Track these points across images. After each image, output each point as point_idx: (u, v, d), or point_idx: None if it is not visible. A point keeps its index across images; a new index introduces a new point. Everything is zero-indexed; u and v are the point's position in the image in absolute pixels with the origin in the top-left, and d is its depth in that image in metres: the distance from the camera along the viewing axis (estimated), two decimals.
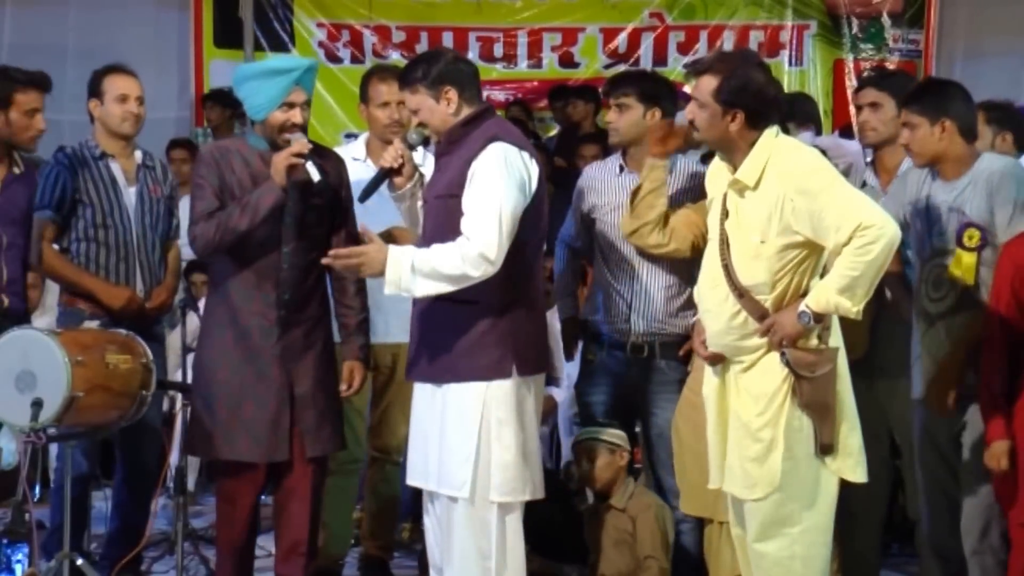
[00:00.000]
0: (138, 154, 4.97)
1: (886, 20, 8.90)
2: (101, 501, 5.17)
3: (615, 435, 4.60)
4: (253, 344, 4.34)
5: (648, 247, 4.47)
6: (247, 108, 4.45)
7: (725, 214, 3.78)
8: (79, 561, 4.39)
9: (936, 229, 4.16)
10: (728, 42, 8.88)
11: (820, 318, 3.61)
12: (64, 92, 8.48)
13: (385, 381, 4.92)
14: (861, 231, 3.51)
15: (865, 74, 8.08)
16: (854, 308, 3.59)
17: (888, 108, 4.49)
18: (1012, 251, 3.97)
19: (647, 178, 4.43)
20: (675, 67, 8.88)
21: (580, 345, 5.00)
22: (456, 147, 4.03)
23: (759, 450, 3.70)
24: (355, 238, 4.46)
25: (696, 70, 3.86)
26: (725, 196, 3.79)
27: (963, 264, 4.09)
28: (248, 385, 4.33)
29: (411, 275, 3.88)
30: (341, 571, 5.04)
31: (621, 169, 4.68)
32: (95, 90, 4.88)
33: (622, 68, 8.78)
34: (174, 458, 5.01)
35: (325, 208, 4.43)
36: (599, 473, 4.60)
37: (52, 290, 6.29)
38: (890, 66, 8.55)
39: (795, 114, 5.98)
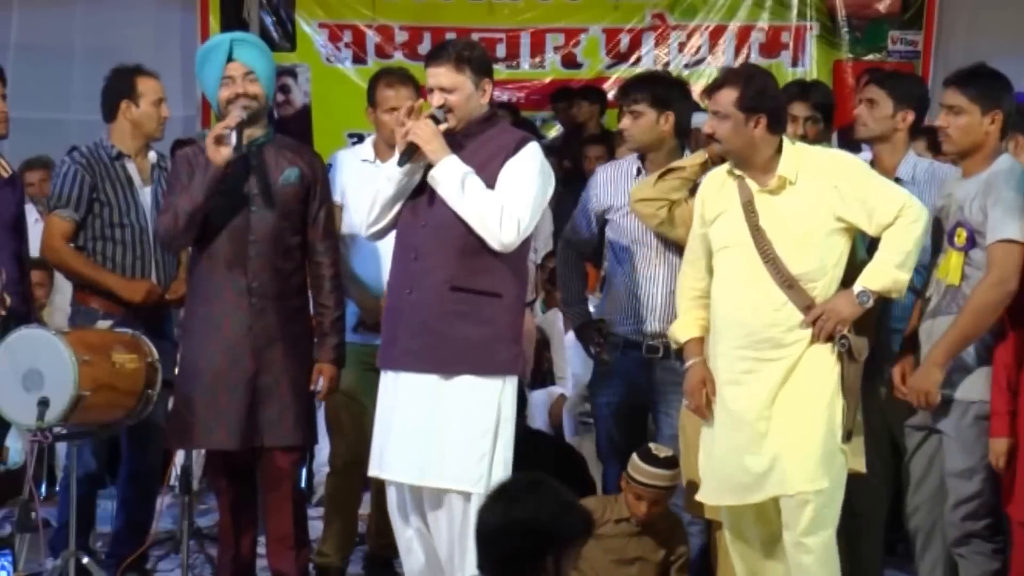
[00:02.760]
0: (152, 155, 4.99)
1: (885, 21, 8.90)
2: (106, 500, 5.18)
3: (675, 476, 4.44)
4: (226, 333, 4.40)
5: (645, 217, 4.46)
6: (210, 100, 4.57)
7: (754, 216, 3.90)
8: (85, 559, 4.42)
9: (945, 225, 4.14)
10: (729, 42, 8.89)
11: (878, 295, 3.87)
12: (71, 91, 8.59)
13: None
14: (906, 210, 3.83)
15: (866, 71, 8.06)
16: (908, 282, 3.89)
17: (884, 107, 4.46)
18: None
19: (691, 167, 4.41)
20: (676, 67, 8.89)
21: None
22: (471, 141, 4.07)
23: (822, 438, 3.85)
24: (332, 235, 4.55)
25: (711, 88, 4.03)
26: (750, 202, 3.92)
27: (950, 263, 4.07)
28: (221, 374, 4.38)
29: (460, 178, 3.95)
30: (346, 569, 5.06)
31: (639, 172, 4.69)
32: (128, 91, 4.88)
33: (624, 68, 8.83)
34: (180, 457, 5.02)
35: (298, 201, 4.48)
36: (653, 514, 4.48)
37: (60, 289, 6.32)
38: (889, 67, 8.53)
39: None
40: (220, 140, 4.28)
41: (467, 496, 3.97)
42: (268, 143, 4.52)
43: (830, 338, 3.89)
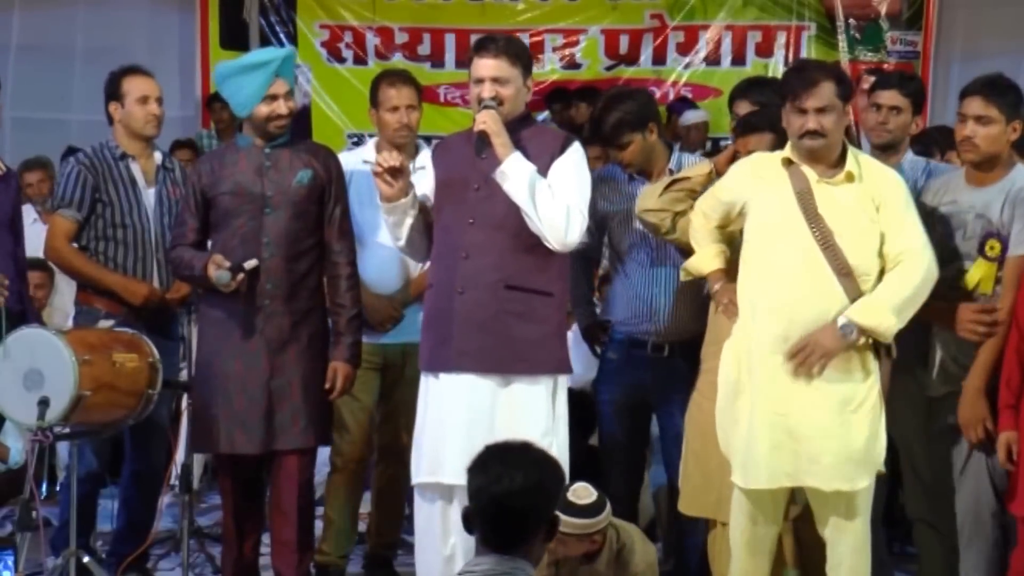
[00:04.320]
0: (157, 155, 5.00)
1: (884, 22, 8.91)
2: (107, 499, 5.19)
3: (596, 523, 4.18)
4: (241, 336, 4.40)
5: (650, 226, 4.46)
6: (233, 107, 4.53)
7: (812, 204, 3.90)
8: (86, 559, 4.43)
9: (960, 234, 4.15)
10: (727, 43, 8.90)
11: (863, 332, 3.82)
12: (72, 92, 8.62)
13: (395, 379, 4.93)
14: (917, 256, 3.85)
15: (867, 72, 8.06)
16: (898, 328, 3.84)
17: (907, 114, 4.51)
18: None
19: (696, 177, 4.39)
20: (675, 67, 8.91)
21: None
22: (511, 137, 4.04)
23: (866, 439, 3.88)
24: (348, 234, 4.53)
25: (807, 84, 3.92)
26: (806, 191, 3.92)
27: (981, 273, 4.09)
28: (238, 377, 4.39)
29: (529, 177, 3.97)
30: (345, 568, 5.06)
31: (631, 178, 4.70)
32: (115, 92, 4.89)
33: (623, 69, 8.85)
34: (180, 456, 5.05)
35: (312, 202, 4.48)
36: (570, 552, 4.22)
37: (60, 290, 6.34)
38: (888, 68, 8.55)
39: None
40: (217, 269, 4.31)
41: None
42: (284, 144, 4.52)
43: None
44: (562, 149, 4.10)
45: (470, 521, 3.00)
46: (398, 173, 4.09)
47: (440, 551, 4.13)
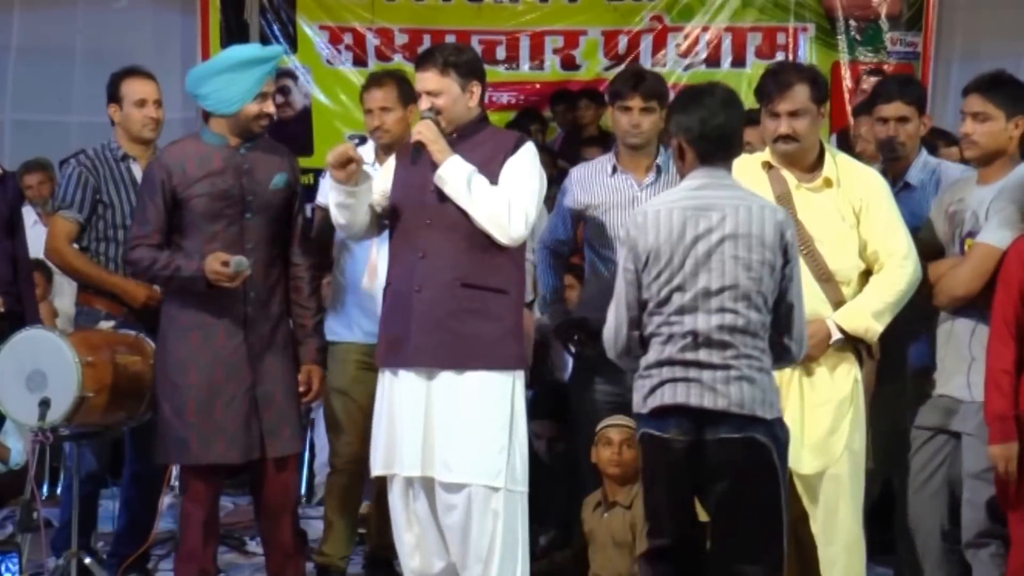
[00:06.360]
0: None
1: (884, 23, 8.91)
2: (108, 500, 5.20)
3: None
4: (220, 343, 4.32)
5: None
6: (213, 103, 4.36)
7: (791, 210, 3.90)
8: (87, 559, 4.45)
9: (958, 232, 4.17)
10: (727, 44, 8.90)
11: (848, 337, 3.90)
12: (72, 93, 8.62)
13: None
14: (904, 261, 3.90)
15: (867, 73, 8.05)
16: (880, 331, 3.91)
17: (914, 121, 4.53)
18: (1021, 249, 3.93)
19: None
20: (674, 69, 8.91)
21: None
22: (466, 142, 4.16)
23: (827, 429, 3.93)
24: (308, 236, 4.57)
25: (780, 88, 3.94)
26: (786, 195, 3.94)
27: None
28: (217, 386, 4.30)
29: (466, 177, 4.04)
30: (346, 569, 5.07)
31: (614, 170, 4.72)
32: (114, 95, 4.91)
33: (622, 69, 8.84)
34: None
35: (285, 206, 4.47)
36: (626, 460, 4.47)
37: (60, 293, 6.35)
38: (887, 68, 8.57)
39: None
40: (221, 267, 4.22)
41: (490, 490, 4.05)
42: (255, 144, 4.43)
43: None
44: (515, 148, 4.18)
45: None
46: (347, 164, 4.15)
47: (405, 536, 4.27)
